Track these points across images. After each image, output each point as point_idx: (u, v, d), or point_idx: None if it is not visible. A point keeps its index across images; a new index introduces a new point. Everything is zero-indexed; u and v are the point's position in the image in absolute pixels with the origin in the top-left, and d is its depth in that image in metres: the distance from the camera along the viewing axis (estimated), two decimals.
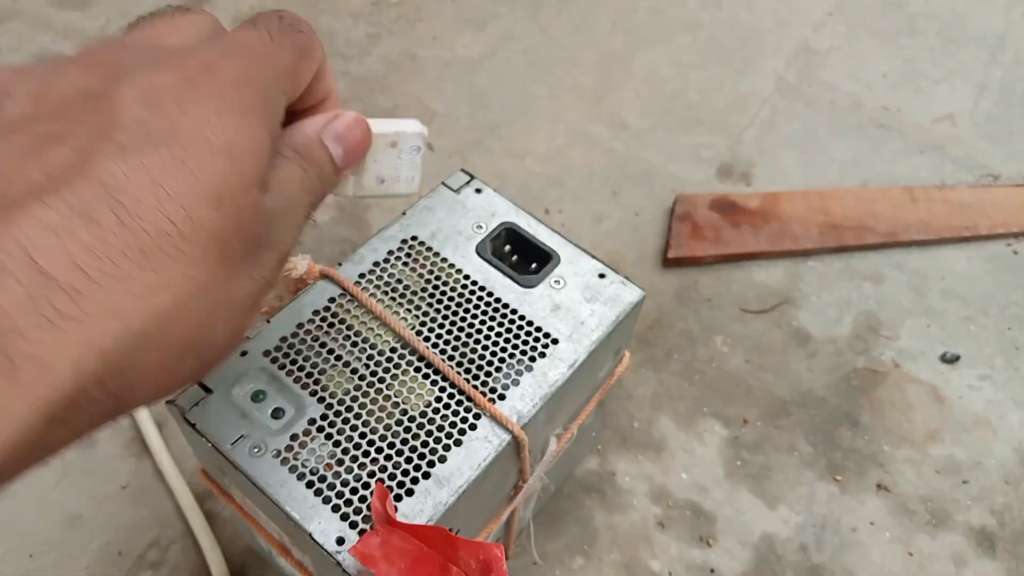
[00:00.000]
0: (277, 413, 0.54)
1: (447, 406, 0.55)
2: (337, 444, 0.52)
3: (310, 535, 0.49)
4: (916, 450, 0.86)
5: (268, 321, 0.58)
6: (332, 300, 0.59)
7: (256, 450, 0.52)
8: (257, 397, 0.54)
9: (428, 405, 0.54)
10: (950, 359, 0.93)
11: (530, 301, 0.61)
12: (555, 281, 0.62)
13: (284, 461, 0.51)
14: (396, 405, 0.54)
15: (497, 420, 0.54)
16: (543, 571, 0.76)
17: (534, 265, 0.64)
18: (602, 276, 0.63)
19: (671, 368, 0.90)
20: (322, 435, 0.53)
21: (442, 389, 0.55)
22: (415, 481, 0.51)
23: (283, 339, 0.57)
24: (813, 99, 1.17)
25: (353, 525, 0.49)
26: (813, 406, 0.89)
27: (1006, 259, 1.02)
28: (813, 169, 1.10)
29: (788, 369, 0.91)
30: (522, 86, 1.15)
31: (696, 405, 0.88)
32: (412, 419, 0.54)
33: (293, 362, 0.56)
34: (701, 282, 0.98)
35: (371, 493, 0.50)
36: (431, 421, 0.54)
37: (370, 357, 0.56)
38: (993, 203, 1.05)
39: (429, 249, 0.63)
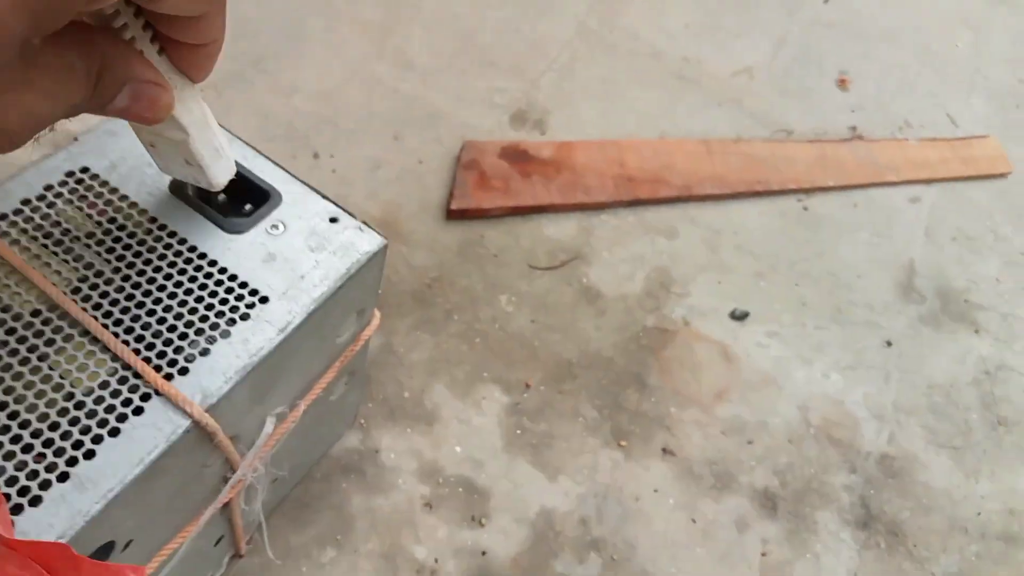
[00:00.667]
0: None
1: (105, 385, 0.42)
2: None
3: None
4: (703, 411, 0.83)
5: None
6: None
7: None
8: None
9: (79, 386, 0.42)
10: (739, 316, 0.90)
11: (236, 250, 0.49)
12: (272, 226, 0.50)
13: None
14: (31, 387, 0.41)
15: (171, 401, 0.42)
16: (284, 570, 0.65)
17: (248, 207, 0.52)
18: (334, 220, 0.52)
19: (450, 330, 0.81)
20: None
21: (101, 364, 0.42)
22: (45, 485, 0.39)
23: None
24: (614, 46, 1.11)
25: None
26: (600, 367, 0.83)
27: (796, 214, 1.01)
28: (611, 119, 1.04)
29: (576, 329, 0.85)
30: (295, 16, 1.01)
31: (476, 370, 0.79)
32: (52, 404, 0.41)
33: None
34: (488, 236, 0.89)
35: None
36: (80, 406, 0.41)
37: (1, 324, 0.43)
38: (786, 158, 1.03)
39: (105, 184, 0.49)
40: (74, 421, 0.41)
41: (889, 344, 0.93)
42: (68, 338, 0.43)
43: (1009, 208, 1.10)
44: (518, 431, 0.77)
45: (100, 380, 0.42)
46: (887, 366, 0.91)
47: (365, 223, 0.52)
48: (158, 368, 0.43)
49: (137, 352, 0.43)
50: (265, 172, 0.53)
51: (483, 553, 0.70)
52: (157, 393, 0.42)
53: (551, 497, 0.74)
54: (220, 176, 0.45)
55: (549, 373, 0.81)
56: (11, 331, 0.42)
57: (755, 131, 1.07)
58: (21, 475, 0.38)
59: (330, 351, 0.56)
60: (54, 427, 0.40)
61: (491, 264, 0.87)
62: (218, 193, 0.52)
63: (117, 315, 0.44)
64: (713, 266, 0.93)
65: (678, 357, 0.85)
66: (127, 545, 0.43)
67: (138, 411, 0.42)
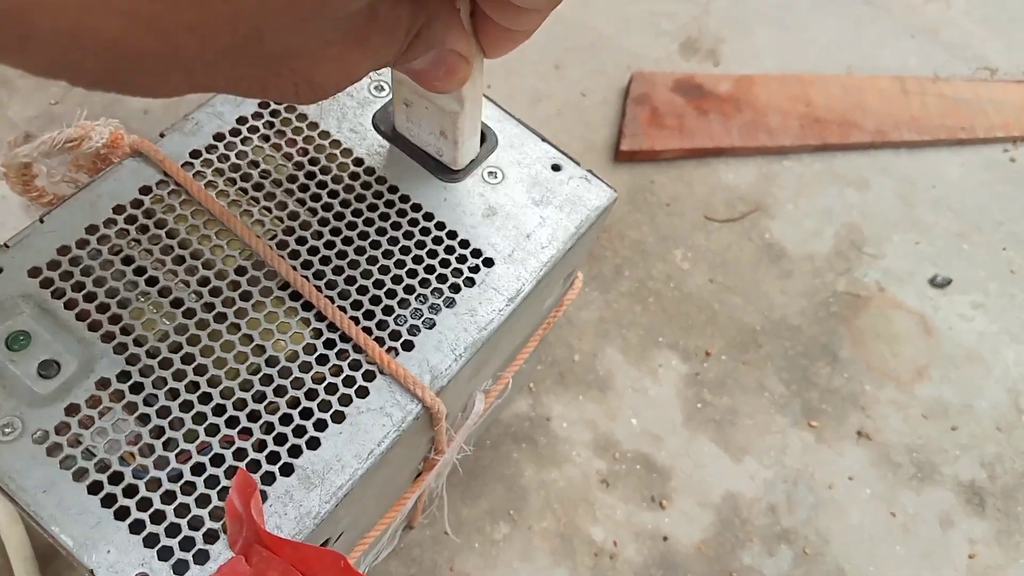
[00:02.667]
0: (47, 368, 0.33)
1: (323, 360, 0.36)
2: (144, 420, 0.33)
3: (91, 573, 0.30)
4: (901, 390, 0.73)
5: (41, 220, 0.37)
6: (147, 191, 0.38)
7: (7, 430, 0.32)
8: (16, 342, 0.34)
9: (292, 359, 0.35)
10: (941, 283, 0.79)
11: (453, 202, 0.41)
12: (489, 172, 0.43)
13: (53, 449, 0.32)
14: (241, 358, 0.35)
15: (399, 382, 0.36)
16: (458, 545, 0.60)
17: None
18: (557, 168, 0.44)
19: (621, 288, 0.73)
20: (120, 405, 0.33)
21: (316, 334, 0.36)
22: (268, 479, 0.33)
23: (64, 250, 0.36)
24: None
25: (166, 554, 0.31)
26: (787, 336, 0.74)
27: (1002, 167, 0.88)
28: (790, 50, 0.92)
29: (759, 291, 0.76)
30: None
31: (650, 334, 0.72)
32: (266, 380, 0.35)
33: (79, 288, 0.35)
34: (659, 182, 0.80)
35: (195, 501, 0.32)
36: (297, 384, 0.35)
37: (204, 283, 0.36)
38: (991, 101, 0.90)
39: (303, 118, 0.42)
40: (293, 402, 0.34)
41: None
42: (279, 302, 0.36)
43: None
44: (699, 404, 0.69)
45: (318, 354, 0.36)
46: None
47: (591, 172, 0.44)
48: (380, 341, 0.36)
49: (356, 321, 0.37)
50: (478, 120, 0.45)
51: (664, 538, 0.63)
52: (382, 372, 0.36)
53: (736, 480, 0.66)
54: (466, 156, 0.41)
55: (731, 340, 0.72)
56: (216, 292, 0.36)
57: (953, 67, 0.94)
58: (240, 465, 0.33)
59: (537, 318, 0.48)
60: (272, 409, 0.34)
61: (663, 214, 0.78)
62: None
63: (330, 276, 0.38)
64: (909, 223, 0.82)
65: (872, 327, 0.76)
66: (338, 539, 0.38)
67: (362, 392, 0.35)
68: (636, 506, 0.64)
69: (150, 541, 0.31)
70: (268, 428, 0.34)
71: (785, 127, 0.83)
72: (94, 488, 0.31)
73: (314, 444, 0.34)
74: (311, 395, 0.35)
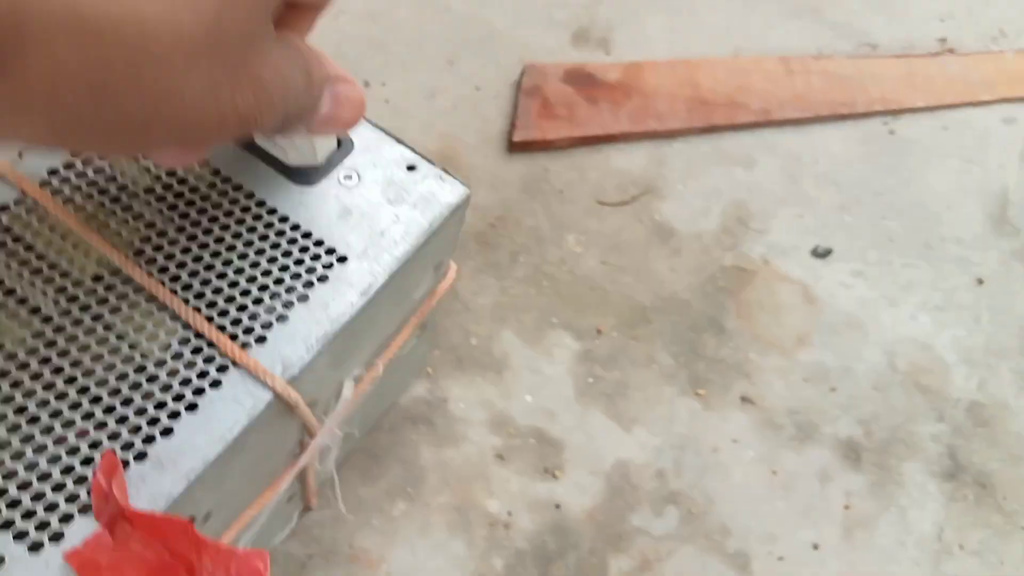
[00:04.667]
0: None
1: (178, 356, 0.38)
2: (1, 418, 0.36)
3: None
4: (784, 357, 0.78)
5: None
6: (4, 209, 0.40)
7: None
8: None
9: (147, 356, 0.38)
10: (822, 253, 0.84)
11: (308, 204, 0.44)
12: (346, 176, 0.46)
13: None
14: (97, 358, 0.37)
15: (251, 373, 0.39)
16: (355, 523, 0.63)
17: None
18: (412, 168, 0.47)
19: (516, 274, 0.77)
20: None
21: (171, 332, 0.39)
22: (123, 466, 0.36)
23: None
24: None
25: (20, 535, 0.33)
26: (676, 311, 0.78)
27: (882, 139, 0.93)
28: (680, 35, 0.95)
29: (649, 270, 0.80)
30: None
31: (544, 316, 0.75)
32: (122, 377, 0.37)
33: None
34: (552, 170, 0.83)
35: (52, 488, 0.34)
36: (152, 379, 0.38)
37: (61, 291, 0.39)
38: (871, 76, 0.95)
39: None
40: (147, 395, 0.37)
41: (980, 282, 0.87)
42: (134, 305, 0.39)
43: None
44: (591, 379, 0.73)
45: (172, 351, 0.38)
46: (978, 306, 0.85)
47: (445, 170, 0.47)
48: (234, 337, 0.39)
49: (210, 320, 0.39)
50: None
51: (557, 506, 0.67)
52: (235, 364, 0.39)
53: (627, 449, 0.70)
54: (320, 158, 0.44)
55: (622, 318, 0.76)
56: (72, 298, 0.39)
57: (837, 45, 0.99)
58: (96, 453, 0.35)
59: (406, 308, 0.52)
60: (127, 402, 0.37)
61: (557, 201, 0.81)
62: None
63: (185, 279, 0.40)
64: (794, 198, 0.87)
65: (758, 299, 0.80)
66: (206, 518, 0.41)
67: (215, 384, 0.38)
68: (530, 478, 0.68)
69: (5, 526, 0.33)
70: (122, 420, 0.36)
71: (673, 111, 0.87)
72: None
73: (167, 432, 0.37)
74: (165, 389, 0.38)
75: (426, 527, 0.64)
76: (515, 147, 0.82)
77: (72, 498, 0.34)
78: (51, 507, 0.34)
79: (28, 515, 0.33)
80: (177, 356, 0.38)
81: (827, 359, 0.79)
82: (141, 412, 0.37)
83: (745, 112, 0.89)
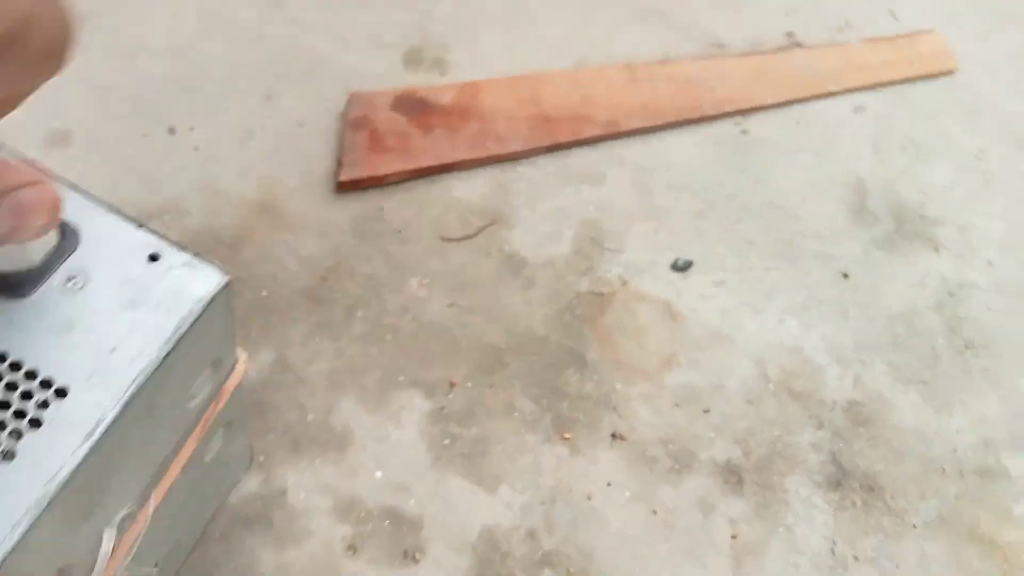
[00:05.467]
0: None
1: None
2: None
3: None
4: (652, 382, 0.74)
5: None
6: None
7: None
8: None
9: None
10: (682, 266, 0.80)
11: (18, 323, 0.36)
12: (69, 278, 0.37)
13: None
14: None
15: None
16: None
17: None
18: (154, 258, 0.39)
19: (354, 331, 0.70)
20: None
21: None
22: None
23: None
24: None
25: None
26: (533, 349, 0.72)
27: (734, 140, 0.90)
28: (519, 49, 0.90)
29: (501, 306, 0.74)
30: None
31: (389, 375, 0.68)
32: None
33: None
34: (388, 208, 0.76)
35: None
36: None
37: None
38: (719, 77, 0.92)
39: None
40: None
41: (845, 276, 0.85)
42: None
43: (957, 108, 1.01)
44: (446, 441, 0.66)
45: None
46: (844, 301, 0.83)
47: (197, 254, 0.40)
48: None
49: None
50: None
51: None
52: None
53: (492, 513, 0.64)
54: (40, 250, 0.36)
55: (476, 365, 0.70)
56: None
57: (683, 47, 0.95)
58: None
59: (183, 419, 0.44)
60: None
61: (395, 242, 0.74)
62: None
63: None
64: (648, 212, 0.83)
65: (618, 323, 0.76)
66: None
67: None
68: (387, 567, 0.61)
69: None
70: None
71: (514, 132, 0.81)
72: None
73: None
74: None
75: None
76: (343, 186, 0.75)
77: None
78: None
79: None
80: None
81: (696, 379, 0.75)
82: None
83: (591, 126, 0.84)
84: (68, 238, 0.38)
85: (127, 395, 0.35)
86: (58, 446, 0.33)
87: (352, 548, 0.61)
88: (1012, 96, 1.04)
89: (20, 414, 0.34)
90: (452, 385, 0.69)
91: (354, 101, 0.79)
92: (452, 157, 0.78)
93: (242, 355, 0.47)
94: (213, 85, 0.79)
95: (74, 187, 0.40)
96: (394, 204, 0.76)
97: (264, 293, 0.69)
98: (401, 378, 0.68)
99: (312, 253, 0.72)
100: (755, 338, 0.79)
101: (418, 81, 0.85)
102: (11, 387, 0.34)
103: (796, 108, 0.94)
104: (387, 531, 0.62)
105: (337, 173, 0.75)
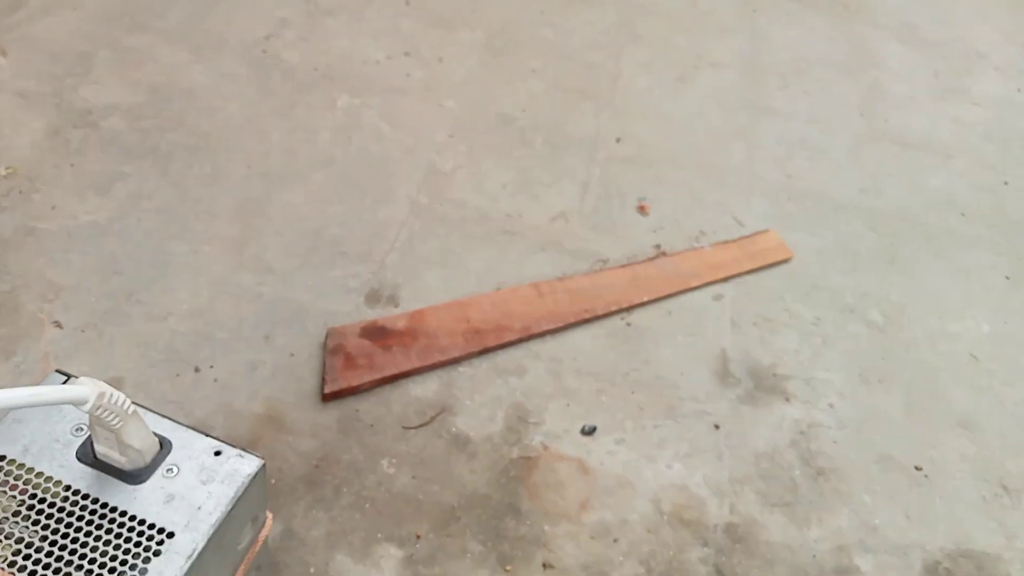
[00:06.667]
0: None
1: None
2: None
3: None
4: (572, 523, 0.96)
5: None
6: None
7: None
8: None
9: None
10: (588, 431, 1.06)
11: (141, 497, 0.60)
12: (168, 470, 0.62)
13: None
14: None
15: None
16: None
17: None
18: (218, 453, 0.64)
19: (341, 503, 0.93)
20: None
21: None
22: None
23: None
24: (445, 217, 1.29)
25: None
26: (479, 505, 0.96)
27: (622, 331, 1.19)
28: (453, 282, 1.20)
29: (452, 475, 0.98)
30: (157, 245, 1.14)
31: (370, 534, 0.91)
32: None
33: None
34: (363, 409, 1.02)
35: None
36: None
37: None
38: (605, 286, 1.22)
39: (22, 467, 0.60)
40: None
41: (717, 427, 1.10)
42: None
43: (796, 287, 1.32)
44: None
45: None
46: (718, 446, 1.08)
47: (244, 450, 0.65)
48: None
49: None
50: (155, 425, 0.65)
51: None
52: None
53: None
54: (150, 454, 0.61)
55: (435, 521, 0.93)
56: None
57: (576, 266, 1.26)
58: None
59: (233, 558, 0.67)
60: None
61: (368, 434, 1.00)
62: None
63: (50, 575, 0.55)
64: (560, 392, 1.09)
65: (543, 480, 1.00)
66: None
67: None
68: None
69: None
70: None
71: (453, 343, 1.09)
72: None
73: None
74: None
75: None
76: (327, 397, 1.01)
77: None
78: None
79: None
80: None
81: (606, 517, 0.98)
82: None
83: (510, 332, 1.12)
84: (164, 446, 0.63)
85: (209, 534, 0.59)
86: (171, 565, 0.57)
87: None
88: (839, 273, 1.36)
89: (148, 548, 0.57)
90: (418, 537, 0.91)
91: (331, 334, 1.07)
92: (407, 367, 1.05)
93: (269, 515, 0.71)
94: (225, 334, 1.07)
95: (165, 415, 0.65)
96: (367, 405, 1.02)
97: (273, 481, 0.92)
98: (379, 535, 0.91)
99: (307, 449, 0.97)
100: (650, 481, 1.03)
101: (377, 314, 1.13)
102: (140, 534, 0.58)
103: (667, 302, 1.24)
104: None
105: (322, 388, 1.01)
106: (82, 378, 0.55)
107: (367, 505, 0.93)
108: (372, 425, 1.01)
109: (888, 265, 1.39)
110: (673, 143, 1.54)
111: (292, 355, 1.06)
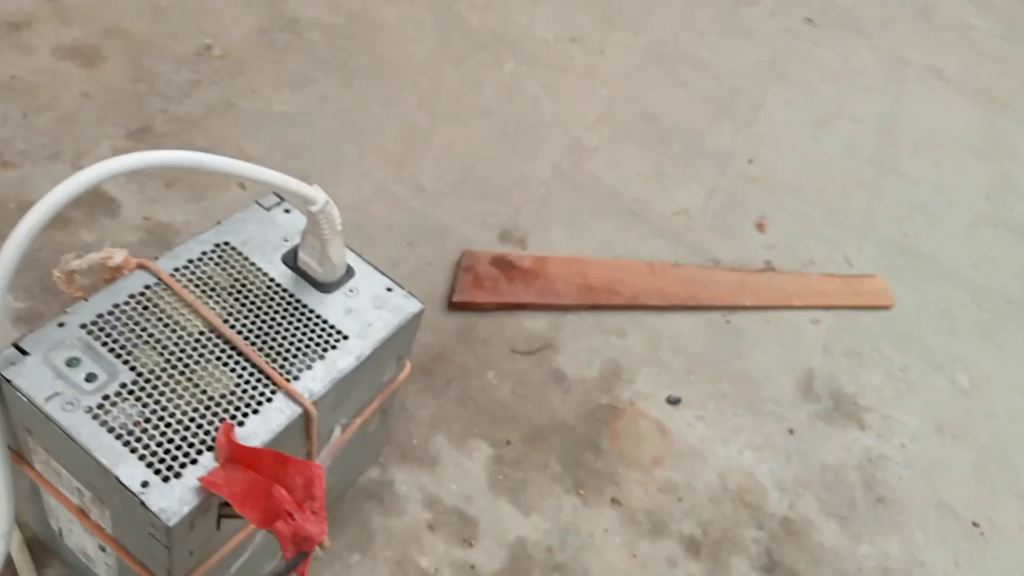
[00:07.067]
0: (91, 377, 0.59)
1: (247, 382, 0.63)
2: (145, 406, 0.59)
3: (117, 478, 0.55)
4: (644, 473, 1.04)
5: (86, 299, 0.64)
6: (147, 287, 0.66)
7: (69, 405, 0.57)
8: (72, 363, 0.60)
9: (228, 388, 0.62)
10: (674, 401, 1.13)
11: (327, 304, 0.71)
12: (350, 290, 0.73)
13: (95, 416, 0.57)
14: (197, 385, 0.62)
15: (291, 395, 0.63)
16: (321, 565, 0.83)
17: None
18: (389, 289, 0.75)
19: (449, 395, 1.03)
20: (132, 398, 0.59)
21: (244, 369, 0.63)
22: (210, 448, 0.59)
23: (99, 315, 0.63)
24: (581, 185, 1.39)
25: (157, 471, 0.56)
26: (565, 433, 1.04)
27: (721, 326, 1.26)
28: (576, 241, 1.30)
29: (546, 401, 1.07)
30: (333, 143, 1.27)
31: (468, 427, 1.00)
32: (212, 398, 0.61)
33: (108, 335, 0.62)
34: (480, 325, 1.12)
35: (174, 447, 0.57)
36: (230, 402, 0.62)
37: (180, 337, 0.64)
38: (713, 281, 1.30)
39: (240, 253, 0.71)
40: (227, 408, 0.61)
41: (791, 432, 1.16)
42: (223, 351, 0.64)
43: (891, 334, 1.37)
44: (500, 476, 0.97)
45: (244, 379, 0.63)
46: (789, 448, 1.14)
47: (411, 293, 0.75)
48: (281, 373, 0.64)
49: (267, 362, 0.64)
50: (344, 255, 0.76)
51: (472, 567, 0.88)
52: (281, 389, 0.63)
53: (525, 529, 0.93)
54: (336, 275, 0.72)
55: (525, 434, 1.02)
56: (186, 342, 0.63)
57: (689, 259, 1.34)
58: (195, 439, 0.59)
59: (377, 385, 0.77)
60: (215, 413, 0.61)
61: (481, 346, 1.09)
62: None
63: (252, 339, 0.66)
64: (654, 361, 1.17)
65: (625, 429, 1.08)
66: None
67: (269, 400, 0.62)
68: (452, 544, 0.89)
69: (148, 465, 0.56)
70: (211, 418, 0.60)
71: (568, 291, 1.18)
72: (118, 437, 0.56)
73: (241, 424, 0.60)
74: (239, 401, 0.61)
75: (373, 574, 0.84)
76: (453, 306, 1.11)
77: (188, 453, 0.57)
78: (174, 458, 0.57)
79: (161, 461, 0.56)
80: (247, 382, 0.63)
81: (675, 477, 1.05)
82: (227, 411, 0.60)
83: (619, 297, 1.21)
84: (349, 271, 0.74)
85: (375, 346, 0.69)
86: (344, 359, 0.67)
87: (431, 527, 0.90)
88: (935, 332, 1.40)
89: (327, 342, 0.68)
90: (508, 443, 1.00)
91: (466, 255, 1.18)
92: (525, 299, 1.15)
93: (407, 364, 0.81)
94: (376, 231, 1.19)
95: (353, 250, 0.76)
96: (484, 323, 1.12)
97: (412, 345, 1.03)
98: (475, 431, 1.00)
99: (428, 343, 1.07)
100: (721, 459, 1.09)
101: (507, 250, 1.24)
102: (323, 330, 0.69)
103: (768, 312, 1.31)
104: (455, 522, 0.91)
105: (450, 297, 1.12)
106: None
107: (470, 403, 1.03)
108: (485, 340, 1.11)
109: (984, 338, 1.43)
110: (800, 176, 1.61)
111: (429, 264, 1.17)
